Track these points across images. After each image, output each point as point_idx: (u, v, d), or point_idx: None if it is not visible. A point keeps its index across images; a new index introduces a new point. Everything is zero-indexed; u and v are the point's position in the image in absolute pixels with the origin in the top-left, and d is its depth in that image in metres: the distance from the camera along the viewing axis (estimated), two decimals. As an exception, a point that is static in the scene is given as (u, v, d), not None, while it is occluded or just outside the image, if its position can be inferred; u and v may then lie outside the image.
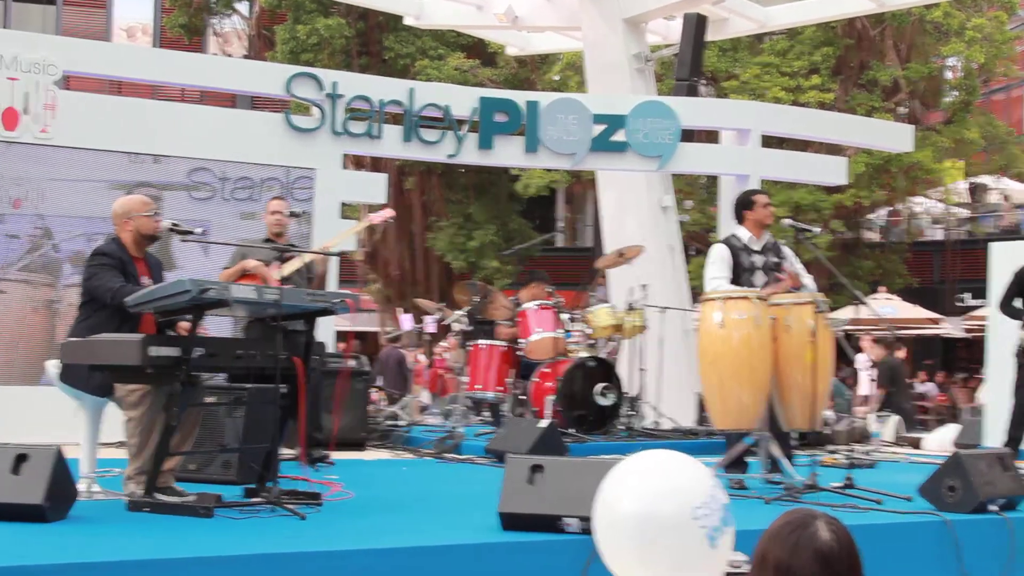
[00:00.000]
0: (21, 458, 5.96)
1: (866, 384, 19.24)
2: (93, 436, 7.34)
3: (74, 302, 11.18)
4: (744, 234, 8.91)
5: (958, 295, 34.31)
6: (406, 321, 27.14)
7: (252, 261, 9.33)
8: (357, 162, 27.70)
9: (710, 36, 18.30)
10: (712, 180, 26.70)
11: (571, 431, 11.42)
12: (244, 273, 9.25)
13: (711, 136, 19.05)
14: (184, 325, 7.28)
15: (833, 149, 23.39)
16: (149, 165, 12.88)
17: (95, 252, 7.39)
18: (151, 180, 12.85)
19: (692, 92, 17.04)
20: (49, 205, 12.37)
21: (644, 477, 3.85)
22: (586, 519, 4.49)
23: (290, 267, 9.33)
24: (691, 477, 3.84)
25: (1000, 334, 12.08)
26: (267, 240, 9.80)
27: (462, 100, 14.57)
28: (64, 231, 12.48)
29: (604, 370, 12.01)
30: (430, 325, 21.95)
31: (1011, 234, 35.39)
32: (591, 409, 11.82)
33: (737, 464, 8.60)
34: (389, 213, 10.36)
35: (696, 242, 30.44)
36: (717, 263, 8.78)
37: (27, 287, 12.36)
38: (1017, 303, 10.82)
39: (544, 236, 19.89)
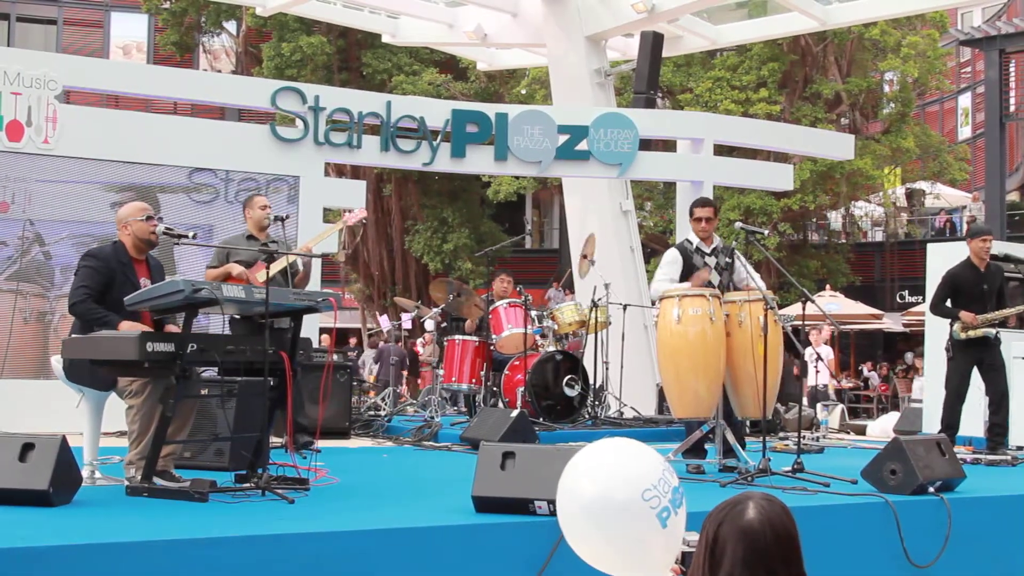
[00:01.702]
0: (27, 446, 5.92)
1: (813, 375, 19.32)
2: (95, 425, 7.33)
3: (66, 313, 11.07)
4: (695, 238, 8.97)
5: (899, 292, 34.54)
6: (383, 321, 27.30)
7: (237, 267, 9.26)
8: (338, 170, 27.65)
9: (666, 52, 18.33)
10: (669, 186, 26.80)
11: (540, 420, 11.43)
12: (230, 276, 9.19)
13: (667, 145, 19.06)
14: (171, 328, 7.28)
15: (780, 157, 23.43)
16: (148, 167, 12.78)
17: (85, 254, 7.37)
18: (149, 182, 12.73)
19: (649, 104, 17.09)
20: (39, 209, 12.20)
21: (599, 464, 3.87)
22: (555, 502, 4.49)
23: (275, 268, 9.25)
24: (642, 463, 3.85)
25: (936, 329, 12.14)
26: (250, 237, 9.69)
27: (436, 112, 14.57)
28: (54, 234, 12.29)
29: (571, 363, 12.02)
30: (407, 321, 21.96)
31: (943, 234, 35.66)
32: (559, 399, 11.83)
33: (695, 450, 8.62)
34: (362, 214, 10.34)
35: (655, 243, 30.50)
36: (666, 266, 8.85)
37: (16, 297, 12.11)
38: (948, 303, 10.90)
39: (514, 238, 19.79)
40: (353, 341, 33.01)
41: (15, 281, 12.05)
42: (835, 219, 37.42)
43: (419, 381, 24.96)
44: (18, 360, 11.97)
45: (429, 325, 13.88)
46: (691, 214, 9.08)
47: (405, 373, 24.24)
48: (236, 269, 9.25)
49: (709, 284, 8.67)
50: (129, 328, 6.98)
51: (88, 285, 7.14)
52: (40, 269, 12.22)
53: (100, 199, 12.47)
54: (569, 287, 18.07)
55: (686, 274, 8.77)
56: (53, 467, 5.85)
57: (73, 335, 7.13)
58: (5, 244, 12.06)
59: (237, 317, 8.96)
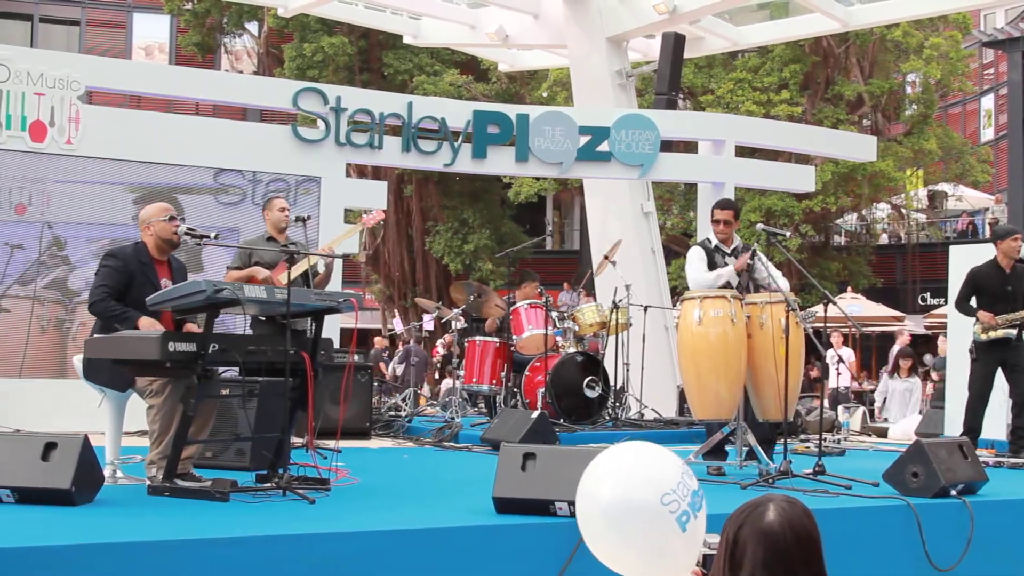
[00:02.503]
0: (50, 446, 5.94)
1: (834, 377, 19.27)
2: (117, 425, 7.35)
3: (86, 321, 10.91)
4: (714, 238, 8.99)
5: (920, 294, 34.42)
6: (396, 323, 27.43)
7: (262, 271, 9.25)
8: (359, 171, 27.70)
9: (687, 54, 18.30)
10: (690, 187, 26.77)
11: (561, 421, 11.43)
12: (253, 279, 9.19)
13: (689, 146, 19.04)
14: (191, 327, 7.30)
15: (802, 158, 23.42)
16: (172, 168, 12.77)
17: (106, 254, 7.39)
18: (173, 183, 12.69)
19: (671, 105, 17.06)
20: (57, 211, 12.15)
21: (617, 468, 3.86)
22: (575, 503, 4.48)
23: (296, 270, 9.27)
24: (661, 466, 3.84)
25: (959, 331, 12.09)
26: (270, 239, 9.69)
27: (457, 113, 14.57)
28: (73, 238, 12.19)
29: (591, 364, 12.01)
30: (428, 322, 21.99)
31: (965, 236, 35.53)
32: (579, 401, 11.81)
33: (716, 452, 8.60)
34: (380, 215, 10.35)
35: (676, 245, 30.48)
36: (696, 261, 8.86)
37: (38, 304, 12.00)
38: (972, 302, 10.85)
39: (534, 239, 19.84)
40: (383, 342, 33.13)
41: (32, 287, 12.00)
42: (852, 221, 37.28)
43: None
44: (37, 360, 11.97)
45: (456, 326, 13.88)
46: (711, 215, 9.11)
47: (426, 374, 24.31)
48: (262, 273, 9.22)
49: (728, 285, 8.68)
50: (149, 325, 7.01)
51: (108, 284, 7.16)
52: (58, 274, 12.19)
53: (122, 200, 12.46)
54: (588, 289, 18.00)
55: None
56: (75, 466, 5.87)
57: (95, 335, 7.15)
58: (22, 247, 12.02)
59: (262, 319, 8.99)
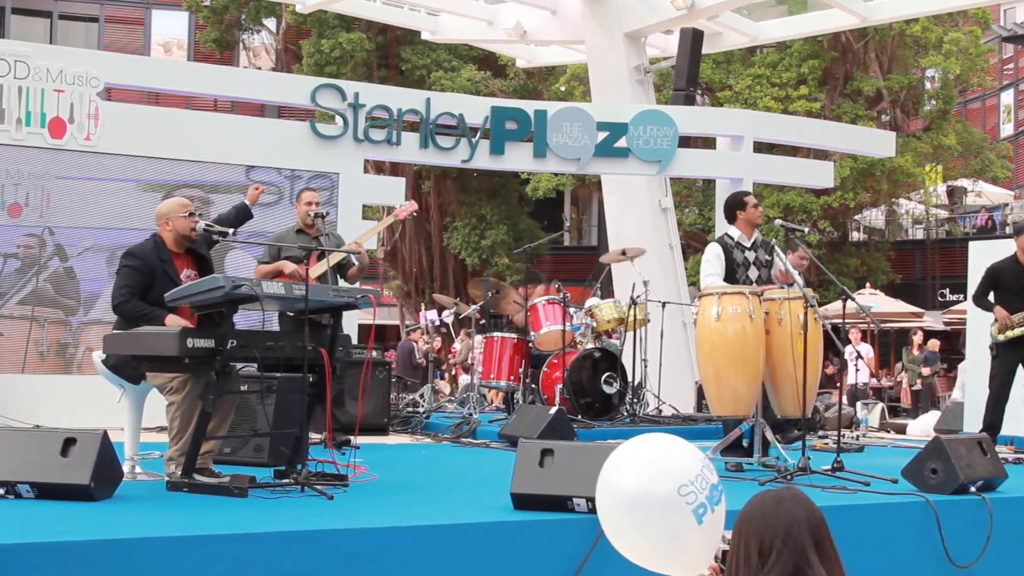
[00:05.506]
0: (69, 441, 5.96)
1: (853, 373, 19.23)
2: (136, 421, 7.38)
3: (92, 346, 10.70)
4: (735, 232, 8.94)
5: (939, 290, 34.33)
6: (423, 316, 27.40)
7: (290, 265, 9.28)
8: (377, 167, 27.70)
9: (705, 49, 18.29)
10: (708, 183, 26.73)
11: (579, 417, 11.43)
12: (281, 273, 9.22)
13: (707, 142, 19.01)
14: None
15: (820, 154, 23.34)
16: (203, 165, 12.71)
17: (126, 253, 7.42)
18: (202, 180, 12.62)
19: (689, 101, 17.06)
20: (61, 215, 11.97)
21: (637, 458, 3.87)
22: (593, 499, 4.47)
23: (319, 269, 9.28)
24: (681, 458, 3.85)
25: (978, 327, 12.05)
26: (299, 231, 9.72)
27: (475, 109, 14.57)
28: (80, 245, 11.96)
29: (609, 360, 12.01)
30: (439, 319, 21.94)
31: (985, 232, 35.39)
32: (597, 397, 11.82)
33: (734, 448, 8.59)
34: (412, 206, 10.36)
35: (695, 241, 30.43)
36: (712, 261, 8.81)
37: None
38: (990, 298, 10.81)
39: (552, 235, 19.80)
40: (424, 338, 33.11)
41: (29, 305, 11.80)
42: (875, 216, 37.17)
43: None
44: (47, 358, 11.89)
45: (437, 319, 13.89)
46: (743, 205, 8.98)
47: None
48: (288, 267, 9.26)
49: (748, 281, 8.66)
50: (174, 322, 7.04)
51: (130, 284, 7.19)
52: (61, 288, 12.03)
53: (141, 199, 12.37)
54: (605, 287, 17.97)
55: (728, 269, 8.75)
56: (94, 462, 5.88)
57: (115, 330, 7.18)
58: (16, 256, 11.79)
59: (290, 314, 8.99)
